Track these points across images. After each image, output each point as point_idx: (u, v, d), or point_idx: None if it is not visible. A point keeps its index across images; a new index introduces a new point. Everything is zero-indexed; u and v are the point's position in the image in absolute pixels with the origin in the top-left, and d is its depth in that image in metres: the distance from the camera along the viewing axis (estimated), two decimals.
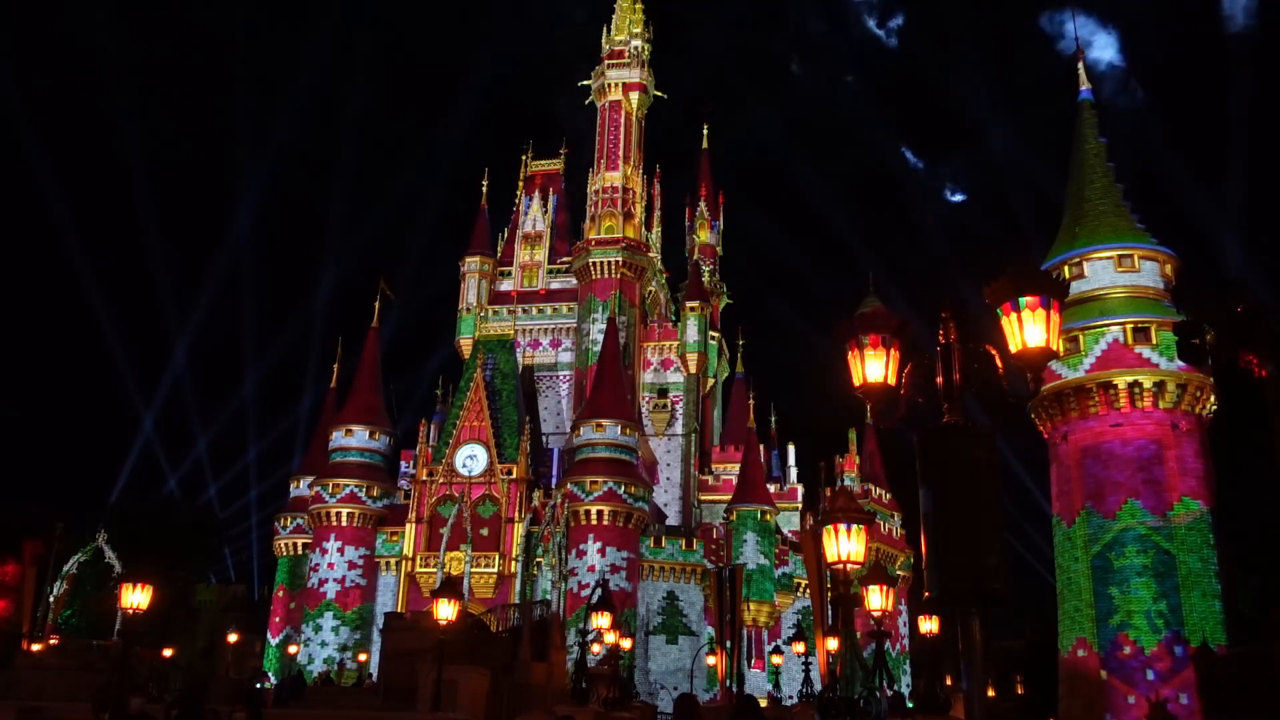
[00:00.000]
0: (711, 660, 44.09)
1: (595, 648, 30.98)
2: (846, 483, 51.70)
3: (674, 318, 62.32)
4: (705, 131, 73.49)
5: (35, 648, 31.99)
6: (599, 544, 46.17)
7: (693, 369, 59.62)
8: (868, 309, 7.78)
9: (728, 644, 34.46)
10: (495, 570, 47.46)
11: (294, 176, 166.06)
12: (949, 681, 28.71)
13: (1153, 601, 27.30)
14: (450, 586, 22.45)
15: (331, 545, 48.60)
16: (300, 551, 52.81)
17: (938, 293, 6.55)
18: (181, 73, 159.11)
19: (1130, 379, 28.76)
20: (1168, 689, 26.28)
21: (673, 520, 55.40)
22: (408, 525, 49.16)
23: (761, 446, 55.98)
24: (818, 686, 25.69)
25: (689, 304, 60.69)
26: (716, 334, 64.40)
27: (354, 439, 50.08)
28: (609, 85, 62.49)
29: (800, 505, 56.93)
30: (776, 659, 40.89)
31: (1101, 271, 30.27)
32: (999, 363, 6.38)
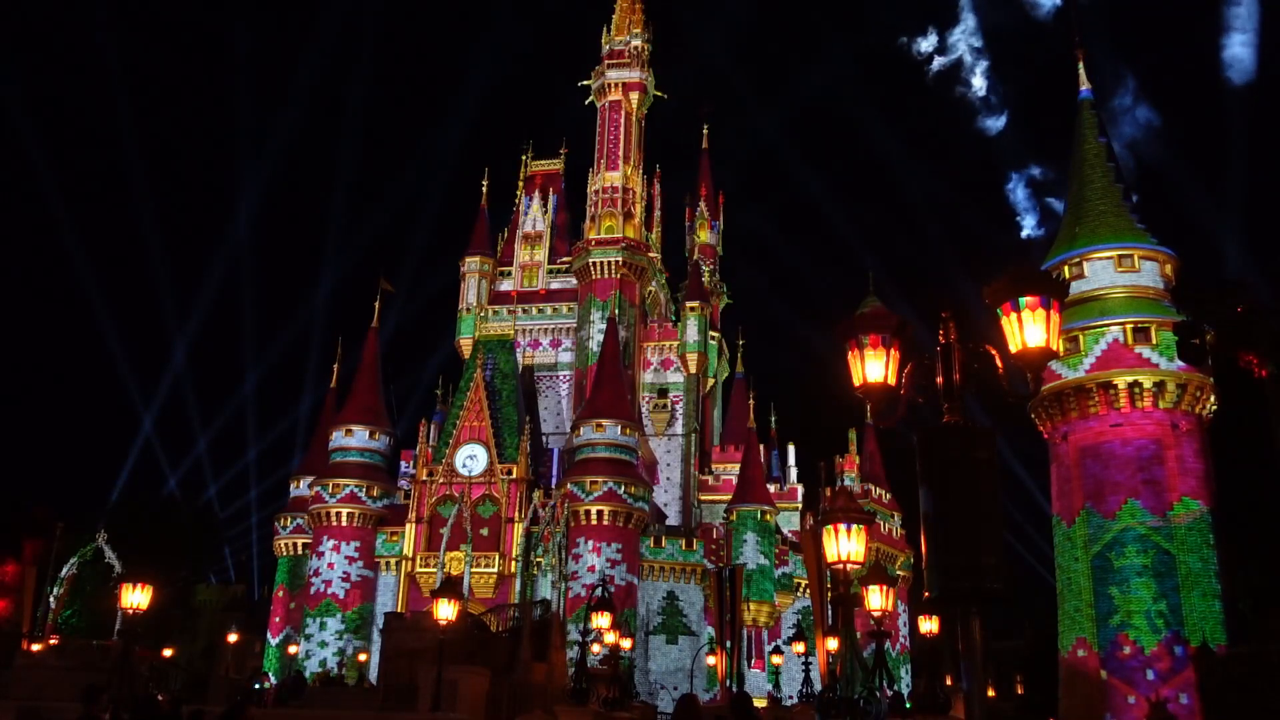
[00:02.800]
0: (711, 660, 44.08)
1: (595, 648, 30.97)
2: (846, 483, 51.69)
3: (674, 318, 62.30)
4: (705, 131, 73.49)
5: (35, 648, 31.96)
6: (599, 544, 46.16)
7: (693, 369, 59.61)
8: (868, 309, 7.79)
9: (728, 644, 34.53)
10: (495, 570, 47.46)
11: (294, 176, 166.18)
12: (949, 681, 28.68)
13: (1153, 601, 27.30)
14: (450, 586, 22.44)
15: (331, 545, 48.60)
16: (300, 551, 52.81)
17: (938, 293, 6.56)
18: (181, 73, 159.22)
19: (1130, 379, 28.75)
20: (1168, 689, 26.28)
21: (673, 520, 55.39)
22: (408, 525, 49.17)
23: (761, 446, 55.96)
24: (818, 686, 25.69)
25: (689, 304, 60.68)
26: (716, 334, 64.39)
27: (354, 439, 50.08)
28: (609, 85, 62.48)
29: (800, 505, 56.91)
30: (776, 659, 40.89)
31: (1101, 271, 30.27)
32: (999, 363, 6.39)
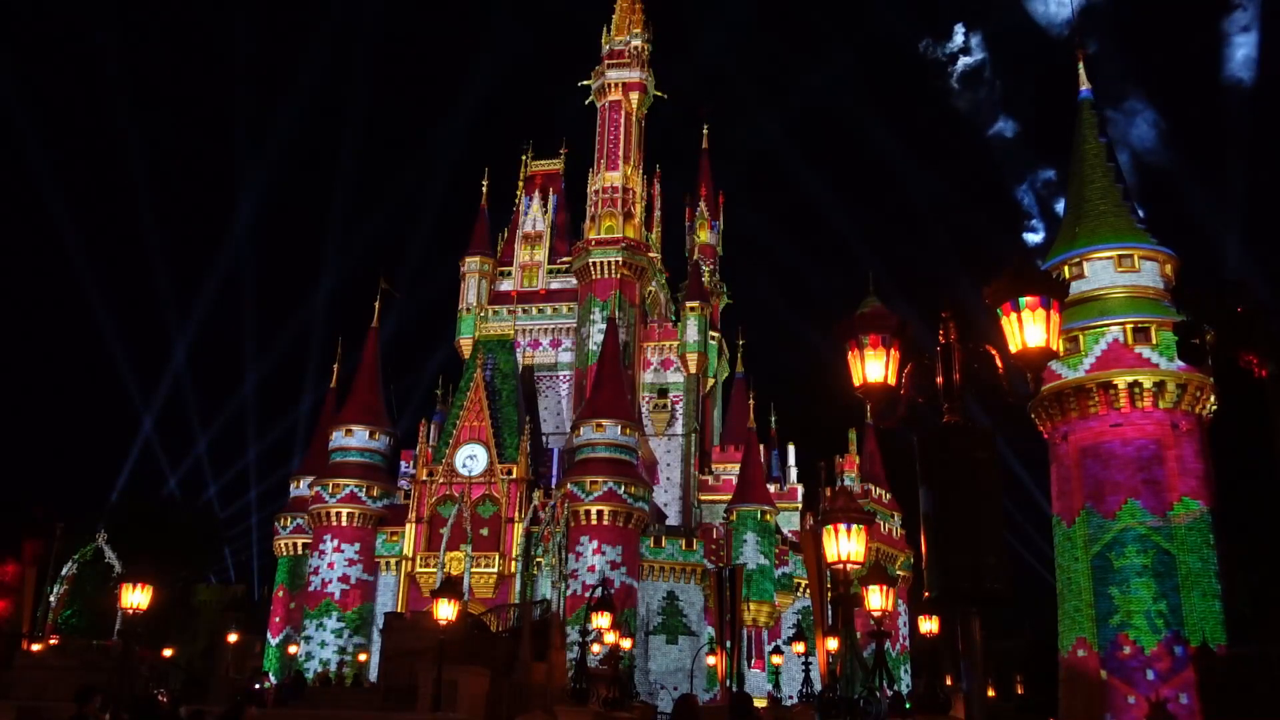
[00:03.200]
0: (711, 660, 44.08)
1: (595, 648, 30.96)
2: (846, 483, 51.70)
3: (674, 318, 62.30)
4: (705, 131, 73.48)
5: (35, 648, 31.98)
6: (599, 544, 46.15)
7: (693, 369, 59.60)
8: (868, 309, 7.78)
9: (728, 644, 34.51)
10: (495, 570, 47.46)
11: (294, 176, 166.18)
12: (949, 681, 28.68)
13: (1153, 601, 27.29)
14: (450, 586, 22.43)
15: (331, 545, 48.59)
16: (300, 551, 52.80)
17: (938, 293, 6.55)
18: (181, 73, 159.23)
19: (1130, 379, 28.75)
20: (1168, 689, 26.28)
21: (673, 520, 55.38)
22: (408, 525, 49.16)
23: (761, 446, 55.95)
24: (818, 686, 25.68)
25: (689, 304, 60.68)
26: (716, 334, 64.37)
27: (354, 439, 50.07)
28: (609, 85, 62.47)
29: (800, 505, 56.91)
30: (776, 659, 40.88)
31: (1101, 271, 30.27)
32: (999, 363, 6.39)
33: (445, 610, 21.36)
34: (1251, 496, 31.73)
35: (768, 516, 49.96)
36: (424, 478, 49.83)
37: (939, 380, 6.40)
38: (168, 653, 44.23)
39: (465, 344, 59.07)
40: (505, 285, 62.66)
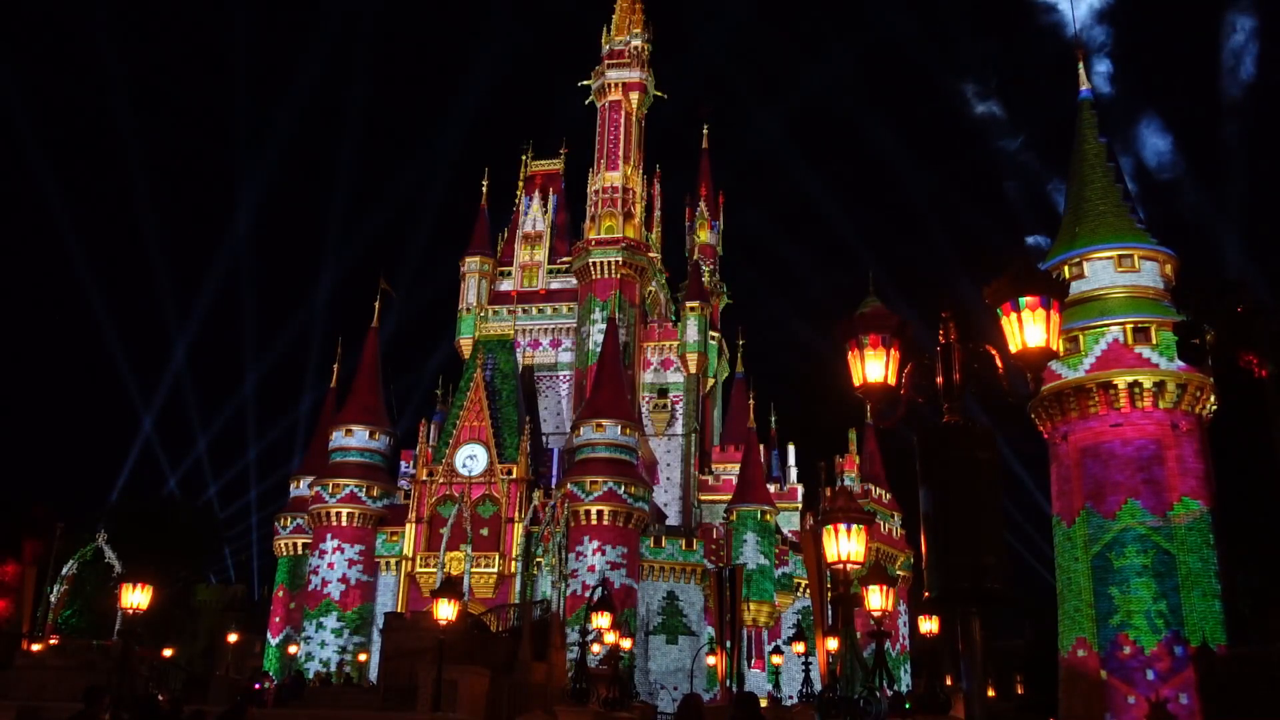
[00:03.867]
0: (711, 660, 44.07)
1: (595, 648, 30.92)
2: (846, 483, 51.67)
3: (674, 318, 62.29)
4: (705, 131, 73.46)
5: (35, 648, 31.96)
6: (599, 544, 46.15)
7: (693, 369, 59.60)
8: (868, 309, 7.77)
9: (728, 644, 34.49)
10: (495, 570, 47.46)
11: (294, 176, 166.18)
12: (949, 681, 28.68)
13: (1153, 601, 27.30)
14: (450, 586, 22.43)
15: (331, 545, 48.58)
16: (300, 551, 52.79)
17: (938, 293, 6.55)
18: (181, 73, 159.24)
19: (1130, 379, 28.76)
20: (1168, 689, 26.29)
21: (673, 520, 55.38)
22: (408, 525, 49.16)
23: (761, 446, 55.94)
24: (818, 686, 25.67)
25: (689, 304, 60.67)
26: (716, 334, 64.35)
27: (354, 439, 50.07)
28: (609, 85, 62.47)
29: (800, 505, 56.89)
30: (776, 659, 40.84)
31: (1101, 271, 30.28)
32: (999, 363, 6.38)
33: (445, 610, 21.35)
34: (1251, 496, 31.73)
35: (768, 516, 49.95)
36: (424, 478, 49.82)
37: (939, 380, 6.40)
38: (168, 653, 44.18)
39: (465, 344, 59.07)
40: (505, 285, 62.66)
